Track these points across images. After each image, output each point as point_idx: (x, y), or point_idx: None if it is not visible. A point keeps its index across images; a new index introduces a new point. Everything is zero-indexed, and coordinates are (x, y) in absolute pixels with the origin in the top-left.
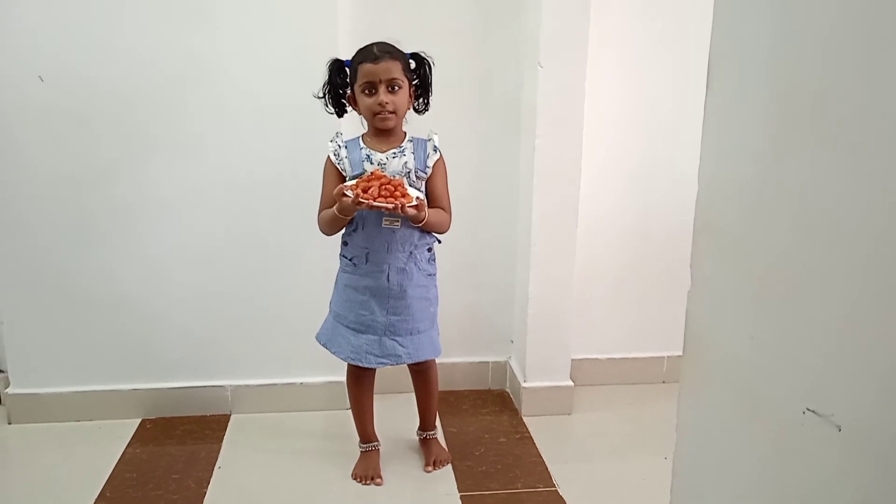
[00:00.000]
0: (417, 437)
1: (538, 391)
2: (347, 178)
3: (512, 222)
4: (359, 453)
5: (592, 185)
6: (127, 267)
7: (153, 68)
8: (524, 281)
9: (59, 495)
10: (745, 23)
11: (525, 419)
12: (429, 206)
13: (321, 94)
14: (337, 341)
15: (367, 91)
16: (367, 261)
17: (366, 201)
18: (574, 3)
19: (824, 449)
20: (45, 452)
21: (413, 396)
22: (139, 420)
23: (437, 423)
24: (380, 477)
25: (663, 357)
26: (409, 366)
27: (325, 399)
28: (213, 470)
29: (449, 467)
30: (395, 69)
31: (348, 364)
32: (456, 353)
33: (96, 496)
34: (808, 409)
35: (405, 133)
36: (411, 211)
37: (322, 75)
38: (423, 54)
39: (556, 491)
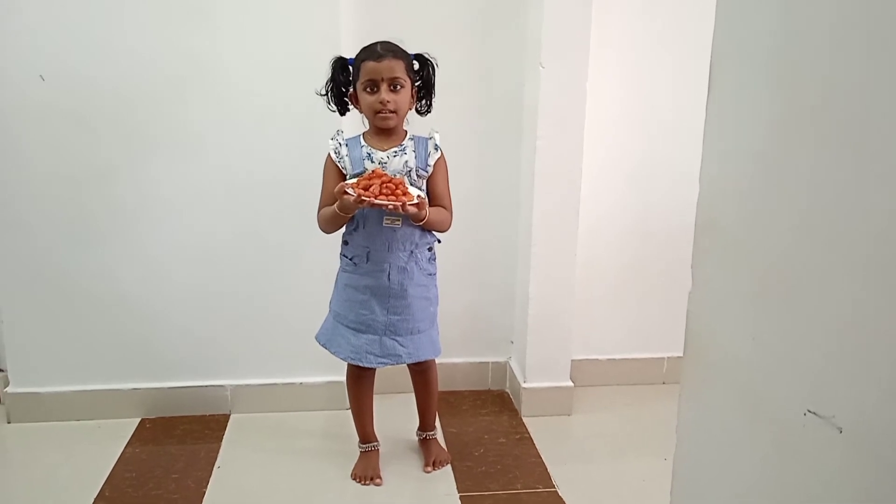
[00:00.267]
0: (417, 438)
1: (538, 392)
2: (348, 177)
3: (512, 222)
4: (358, 453)
5: (593, 185)
6: (127, 266)
7: (153, 68)
8: (524, 281)
9: (58, 494)
10: (746, 23)
11: (525, 420)
12: (430, 205)
13: (324, 92)
14: (337, 341)
15: (369, 89)
16: (367, 260)
17: (367, 199)
18: (575, 3)
19: (825, 451)
20: (44, 452)
21: (412, 396)
22: (139, 419)
23: (437, 423)
24: (379, 477)
25: (663, 358)
26: (408, 366)
27: (325, 399)
28: (212, 469)
29: (448, 468)
30: (397, 68)
31: (348, 364)
32: (456, 354)
33: (95, 495)
34: (810, 411)
35: (406, 132)
36: (412, 209)
37: (324, 74)
38: (426, 55)
39: (556, 492)
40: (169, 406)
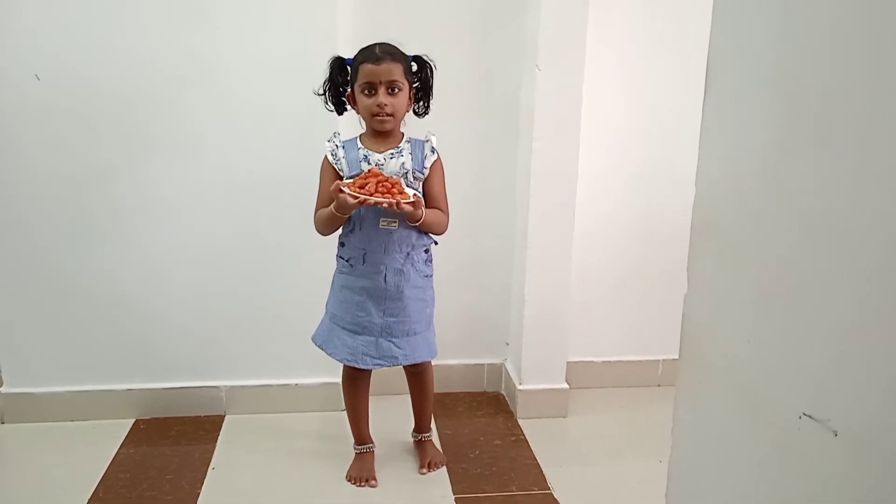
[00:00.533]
0: (412, 439)
1: (534, 394)
2: (344, 179)
3: (509, 224)
4: (353, 455)
5: (592, 187)
6: (123, 267)
7: (153, 68)
8: (521, 283)
9: (52, 495)
10: (744, 23)
11: (520, 421)
12: (426, 207)
13: (321, 92)
14: (333, 342)
15: (366, 91)
16: (364, 262)
17: (361, 196)
18: (573, 4)
19: (821, 454)
20: (38, 452)
21: (408, 398)
22: (133, 420)
23: (433, 425)
24: (374, 479)
25: (659, 360)
26: (404, 367)
27: (321, 400)
28: (206, 471)
29: (444, 469)
30: (396, 71)
31: (344, 365)
32: (451, 355)
33: (90, 496)
34: (805, 414)
35: (403, 134)
36: (408, 207)
37: (323, 74)
38: (425, 57)
39: (551, 494)
40: (163, 407)
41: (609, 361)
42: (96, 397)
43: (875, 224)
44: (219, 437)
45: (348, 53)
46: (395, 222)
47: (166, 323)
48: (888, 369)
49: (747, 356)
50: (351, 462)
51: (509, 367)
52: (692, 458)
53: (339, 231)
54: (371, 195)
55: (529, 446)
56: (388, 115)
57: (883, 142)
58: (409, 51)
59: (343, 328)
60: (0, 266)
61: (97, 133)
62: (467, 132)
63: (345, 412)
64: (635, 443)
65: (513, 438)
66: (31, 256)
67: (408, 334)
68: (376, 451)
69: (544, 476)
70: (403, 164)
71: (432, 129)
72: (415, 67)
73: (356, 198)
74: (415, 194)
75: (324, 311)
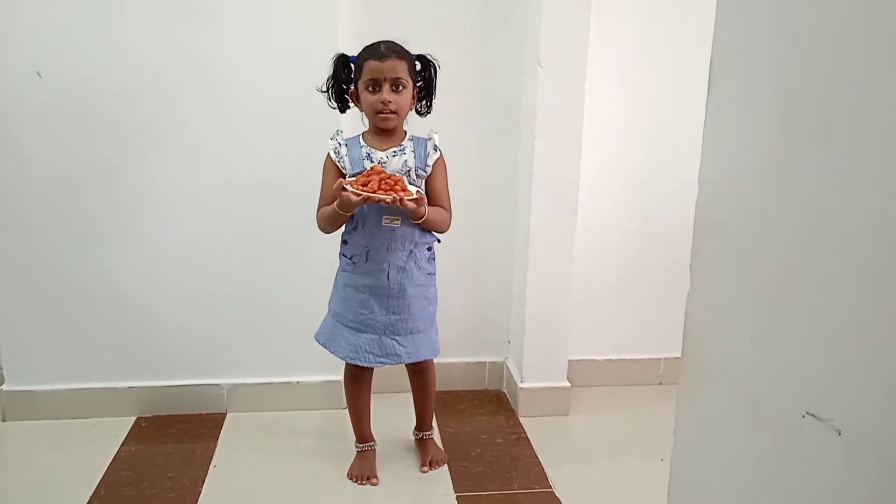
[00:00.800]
0: (413, 437)
1: (535, 392)
2: (347, 176)
3: (510, 223)
4: (355, 453)
5: (593, 187)
6: (124, 265)
7: (153, 68)
8: (522, 282)
9: (53, 493)
10: (747, 22)
11: (522, 420)
12: (429, 205)
13: (325, 88)
14: (336, 340)
15: (370, 88)
16: (367, 259)
17: (365, 193)
18: (574, 3)
19: (824, 453)
20: (40, 450)
21: (409, 396)
22: (134, 418)
23: (434, 423)
24: (376, 477)
25: (660, 359)
26: (407, 365)
27: (322, 398)
28: (208, 468)
29: (445, 468)
30: (400, 69)
31: (346, 363)
32: (453, 354)
33: (91, 494)
34: (808, 413)
35: (405, 132)
36: (411, 204)
37: (324, 73)
38: (429, 56)
39: (553, 492)
40: (165, 405)
41: (610, 360)
42: (97, 395)
43: (876, 223)
44: (220, 435)
45: (349, 52)
46: (398, 220)
47: (167, 321)
48: (890, 368)
49: (750, 355)
50: (352, 460)
51: (511, 365)
52: (694, 456)
53: (342, 229)
54: (374, 192)
55: (531, 444)
56: (391, 112)
57: (884, 141)
58: (411, 49)
59: (346, 326)
60: (1, 264)
61: (97, 132)
62: (468, 131)
63: (346, 410)
64: (637, 441)
65: (514, 437)
66: (32, 255)
67: (411, 332)
68: (378, 449)
69: (546, 474)
70: (406, 161)
71: (434, 128)
72: (418, 66)
73: (359, 195)
74: (417, 191)
75: (325, 309)
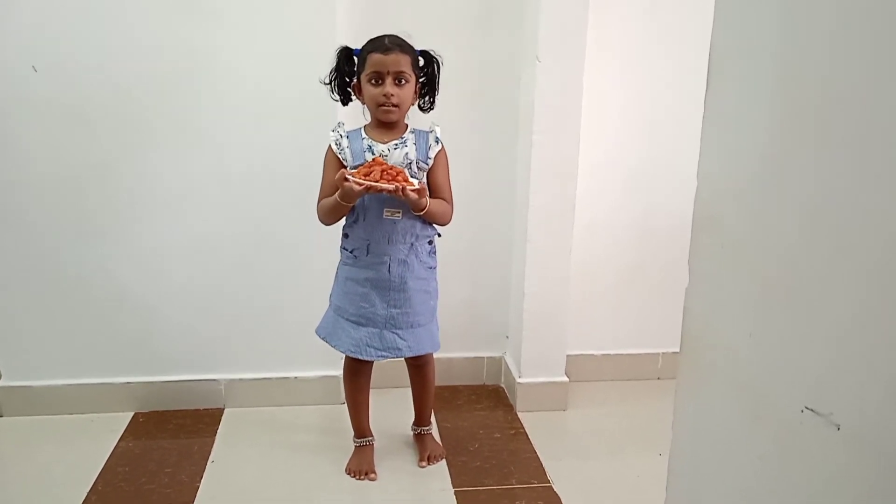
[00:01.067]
0: (412, 432)
1: (533, 387)
2: (348, 169)
3: (509, 218)
4: (353, 448)
5: (592, 182)
6: (122, 260)
7: (152, 62)
8: (520, 277)
9: (51, 488)
10: (746, 18)
11: (520, 415)
12: (430, 198)
13: (327, 81)
14: (337, 334)
15: (373, 81)
16: (368, 252)
17: (367, 183)
18: None
19: (823, 447)
20: (37, 446)
21: (408, 391)
22: (132, 413)
23: (432, 418)
24: (374, 472)
25: (658, 353)
26: (406, 360)
27: (320, 393)
28: (206, 464)
29: (443, 462)
30: (403, 62)
31: (346, 358)
32: (451, 348)
33: (88, 489)
34: (807, 408)
35: (407, 125)
36: (412, 195)
37: (322, 66)
38: (432, 52)
39: (551, 487)
40: (162, 400)
41: (608, 355)
42: (95, 390)
43: (875, 219)
44: (218, 431)
45: (349, 46)
46: (399, 212)
47: (165, 316)
48: (889, 362)
49: (748, 350)
50: (350, 455)
51: (509, 360)
52: (693, 451)
53: (343, 222)
54: (376, 181)
55: (529, 439)
56: (393, 105)
57: (883, 138)
58: (415, 44)
59: (347, 320)
60: None
61: (96, 127)
62: (467, 125)
63: (344, 405)
64: (635, 436)
65: (512, 431)
66: (30, 250)
67: (412, 326)
68: (376, 444)
69: (544, 469)
70: (407, 154)
71: (435, 121)
72: (422, 62)
73: (361, 185)
74: (419, 182)
75: (323, 304)
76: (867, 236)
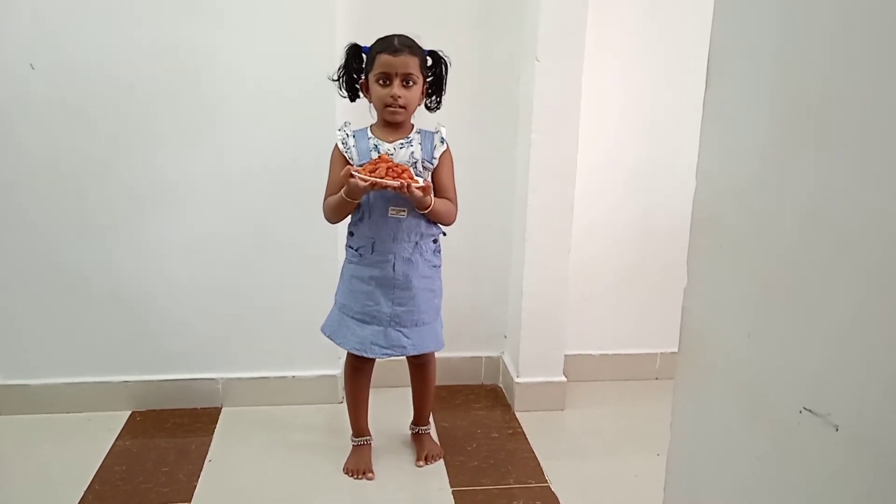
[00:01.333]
0: (410, 432)
1: (531, 387)
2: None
3: (507, 217)
4: (351, 447)
5: (591, 181)
6: (120, 258)
7: (151, 61)
8: (518, 276)
9: (48, 487)
10: (745, 17)
11: (518, 414)
12: (435, 198)
13: (335, 77)
14: (342, 332)
15: (381, 81)
16: (373, 251)
17: (372, 179)
18: None
19: (821, 448)
20: (34, 444)
21: (406, 391)
22: (129, 412)
23: (430, 417)
24: (371, 471)
25: (656, 354)
26: (408, 359)
27: (318, 393)
28: (203, 463)
29: (441, 462)
30: (412, 64)
31: (348, 356)
32: (449, 348)
33: (85, 488)
34: (806, 409)
35: (413, 125)
36: (417, 192)
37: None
38: (440, 53)
39: (549, 487)
40: (160, 399)
41: (606, 355)
42: (92, 389)
43: (875, 219)
44: (215, 430)
45: (349, 44)
46: (404, 211)
47: (163, 315)
48: (889, 362)
49: (747, 350)
50: (348, 455)
51: (507, 359)
52: (691, 451)
53: (348, 220)
54: (381, 178)
55: (527, 439)
56: (400, 107)
57: (883, 138)
58: (423, 45)
59: (352, 318)
60: None
61: (95, 127)
62: (466, 124)
63: (342, 405)
64: (633, 436)
65: (510, 431)
66: (28, 248)
67: (416, 324)
68: (373, 443)
69: (541, 469)
70: (413, 153)
71: (432, 121)
72: (430, 62)
73: (367, 181)
74: (424, 180)
75: (322, 303)
76: (867, 236)
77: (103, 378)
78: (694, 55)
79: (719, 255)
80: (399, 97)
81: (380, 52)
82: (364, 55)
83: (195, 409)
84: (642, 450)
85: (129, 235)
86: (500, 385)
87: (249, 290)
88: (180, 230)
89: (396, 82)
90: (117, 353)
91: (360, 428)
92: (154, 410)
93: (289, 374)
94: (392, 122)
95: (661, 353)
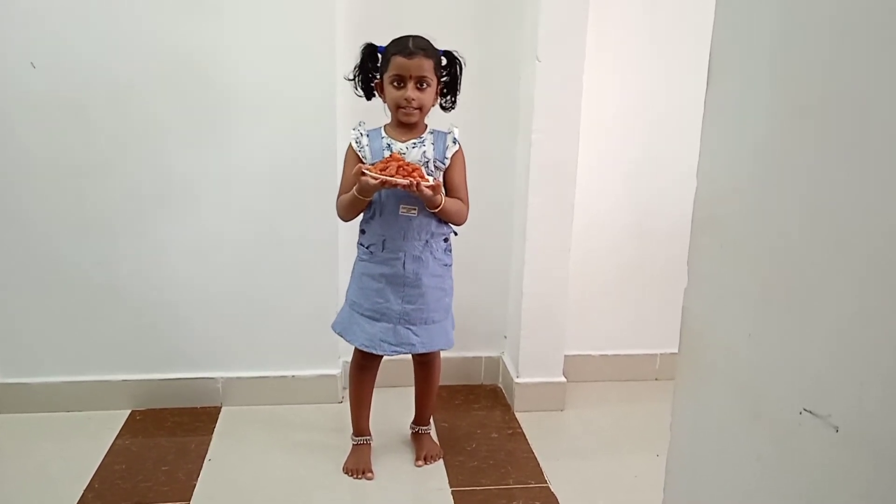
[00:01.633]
0: (410, 431)
1: (531, 387)
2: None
3: (508, 217)
4: (350, 447)
5: (591, 182)
6: (120, 257)
7: (152, 59)
8: (518, 276)
9: (48, 486)
10: (747, 16)
11: (517, 415)
12: (447, 197)
13: (351, 76)
14: (352, 329)
15: (395, 83)
16: (383, 248)
17: (382, 177)
18: None
19: (821, 449)
20: (34, 443)
21: (407, 390)
22: (129, 411)
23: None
24: (371, 471)
25: (656, 354)
26: (413, 357)
27: (317, 392)
28: (203, 462)
29: (441, 462)
30: (426, 66)
31: (355, 354)
32: None
33: (85, 487)
34: (806, 410)
35: (426, 125)
36: (427, 191)
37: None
38: (455, 53)
39: (548, 487)
40: (160, 398)
41: (606, 355)
42: (92, 388)
43: (875, 218)
44: (215, 429)
45: (347, 44)
46: (415, 209)
47: (163, 314)
48: (888, 363)
49: (748, 350)
50: (348, 454)
51: (507, 360)
52: (691, 452)
53: (360, 218)
54: (392, 176)
55: (526, 439)
56: (414, 109)
57: (883, 137)
58: (438, 46)
59: (362, 315)
60: None
61: (96, 125)
62: (466, 124)
63: (341, 404)
64: (632, 436)
65: (510, 431)
66: (28, 246)
67: (426, 322)
68: (373, 443)
69: (541, 469)
70: (425, 153)
71: (433, 120)
72: (444, 62)
73: (377, 179)
74: (435, 179)
75: (322, 302)
76: (866, 236)
77: (103, 377)
78: (694, 55)
79: (720, 255)
80: (413, 100)
81: (395, 55)
82: (380, 55)
83: (195, 408)
84: (642, 450)
85: (128, 234)
86: (500, 385)
87: (250, 290)
88: (180, 229)
89: (410, 85)
90: (117, 352)
91: (360, 427)
92: (154, 409)
93: (289, 373)
94: (405, 123)
95: (661, 354)
